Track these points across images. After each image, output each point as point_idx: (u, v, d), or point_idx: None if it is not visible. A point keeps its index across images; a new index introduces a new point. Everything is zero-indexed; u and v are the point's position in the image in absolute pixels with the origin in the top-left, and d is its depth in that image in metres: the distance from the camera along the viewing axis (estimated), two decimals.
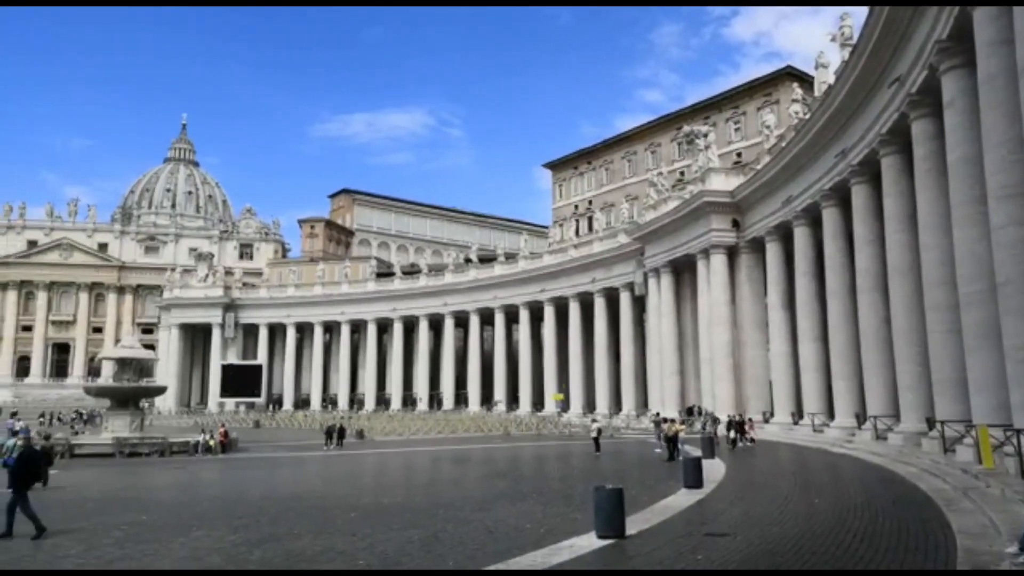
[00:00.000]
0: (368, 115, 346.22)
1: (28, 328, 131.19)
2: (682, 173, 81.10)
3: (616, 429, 53.34)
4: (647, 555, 12.34)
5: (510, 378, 79.98)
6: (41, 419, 72.96)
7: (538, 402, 74.75)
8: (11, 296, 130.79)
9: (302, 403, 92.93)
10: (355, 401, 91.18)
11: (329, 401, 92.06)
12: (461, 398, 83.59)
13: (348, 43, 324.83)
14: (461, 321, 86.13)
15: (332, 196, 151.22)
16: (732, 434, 37.09)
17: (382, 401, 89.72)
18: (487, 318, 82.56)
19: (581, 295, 69.19)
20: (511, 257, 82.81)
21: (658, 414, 48.63)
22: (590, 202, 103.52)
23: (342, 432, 47.00)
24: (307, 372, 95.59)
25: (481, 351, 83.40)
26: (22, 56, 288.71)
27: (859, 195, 33.78)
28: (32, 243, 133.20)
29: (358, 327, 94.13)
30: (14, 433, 36.62)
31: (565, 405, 69.63)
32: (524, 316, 77.63)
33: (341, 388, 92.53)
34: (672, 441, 31.92)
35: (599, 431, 38.28)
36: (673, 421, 36.73)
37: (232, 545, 14.38)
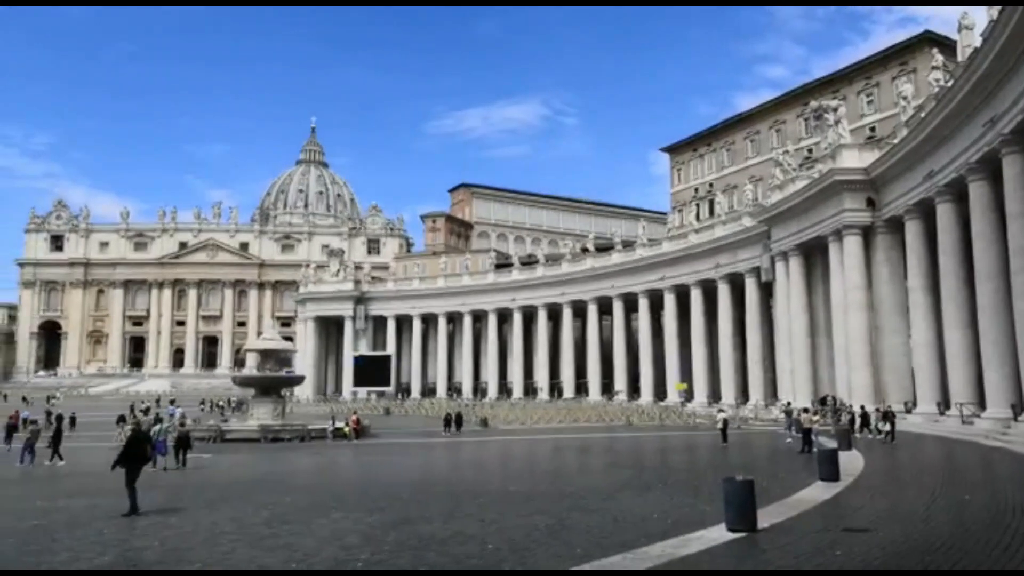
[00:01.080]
0: (483, 109, 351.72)
1: (181, 323, 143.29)
2: (810, 151, 77.16)
3: (743, 420, 51.69)
4: (781, 550, 11.94)
5: (630, 367, 79.22)
6: (202, 406, 79.11)
7: (660, 392, 73.64)
8: (166, 294, 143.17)
9: (428, 391, 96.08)
10: (478, 389, 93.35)
11: (454, 389, 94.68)
12: (581, 387, 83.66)
13: (462, 40, 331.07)
14: (579, 310, 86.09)
15: (451, 190, 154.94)
16: (879, 424, 35.10)
17: (504, 390, 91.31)
18: (605, 307, 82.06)
19: (703, 282, 67.39)
20: (629, 245, 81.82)
21: (788, 404, 46.69)
22: (711, 185, 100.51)
23: (459, 420, 48.52)
24: (432, 361, 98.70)
25: (600, 340, 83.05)
26: (168, 70, 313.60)
27: (1012, 166, 30.86)
28: (183, 244, 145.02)
29: (479, 317, 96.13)
30: (158, 420, 40.06)
31: (688, 395, 68.21)
32: (643, 304, 76.55)
33: (465, 377, 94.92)
34: (806, 432, 30.62)
35: (726, 421, 37.25)
36: (806, 411, 35.18)
37: (369, 527, 15.13)
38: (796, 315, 53.15)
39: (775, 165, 59.83)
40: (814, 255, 52.85)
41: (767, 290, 60.53)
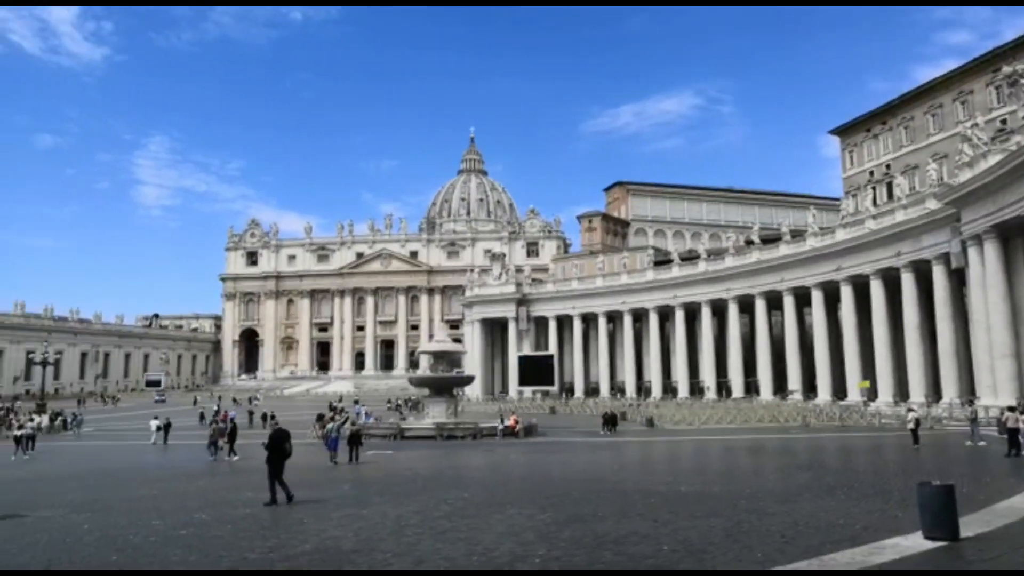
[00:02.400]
0: (635, 105, 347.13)
1: (361, 328, 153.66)
2: (1003, 122, 69.28)
3: (936, 420, 47.37)
4: (989, 561, 10.96)
5: (804, 365, 74.91)
6: (388, 405, 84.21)
7: (839, 390, 69.02)
8: (347, 301, 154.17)
9: (592, 391, 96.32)
10: (641, 389, 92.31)
11: (617, 389, 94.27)
12: (751, 386, 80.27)
13: (613, 38, 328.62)
14: (746, 306, 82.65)
15: (606, 189, 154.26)
16: None
17: (669, 389, 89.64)
18: (774, 302, 78.20)
19: (883, 271, 62.39)
20: (797, 235, 77.38)
21: (972, 402, 42.17)
22: (888, 167, 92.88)
23: (614, 420, 48.98)
24: (594, 361, 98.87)
25: (770, 337, 79.28)
26: (341, 94, 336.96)
27: None
28: (359, 255, 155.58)
29: (640, 316, 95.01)
30: (332, 419, 43.36)
31: (871, 393, 63.41)
32: (817, 298, 72.13)
33: (628, 376, 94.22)
34: (1012, 433, 27.65)
35: (917, 421, 34.36)
36: (1012, 409, 31.69)
37: (543, 524, 15.54)
38: (995, 305, 47.89)
39: (963, 140, 54.19)
40: (1015, 237, 47.37)
41: (958, 278, 55.03)
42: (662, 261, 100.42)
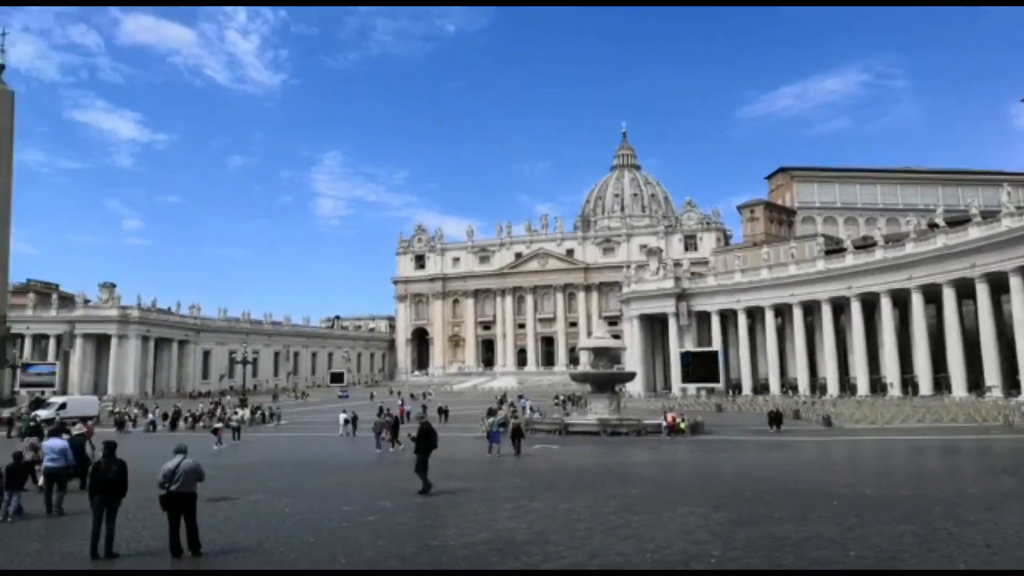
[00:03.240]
0: (796, 86, 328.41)
1: (522, 326, 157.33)
2: None
3: None
4: None
5: (1004, 358, 67.28)
6: (556, 400, 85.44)
7: None
8: (508, 300, 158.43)
9: (761, 388, 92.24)
10: (815, 386, 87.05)
11: (788, 386, 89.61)
12: (940, 383, 73.33)
13: (766, 18, 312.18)
14: (932, 295, 75.57)
15: (768, 177, 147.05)
16: None
17: (846, 386, 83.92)
18: (965, 290, 70.86)
19: None
20: (989, 215, 69.52)
21: None
22: None
23: (779, 418, 47.34)
24: (762, 357, 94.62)
25: (961, 328, 71.95)
26: (495, 99, 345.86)
27: None
28: (518, 255, 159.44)
29: (810, 309, 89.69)
30: (491, 413, 44.93)
31: None
32: (1016, 284, 64.53)
33: (799, 372, 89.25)
34: None
35: None
36: None
37: (716, 524, 15.22)
38: None
39: None
40: None
41: None
42: (833, 250, 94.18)
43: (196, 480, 13.13)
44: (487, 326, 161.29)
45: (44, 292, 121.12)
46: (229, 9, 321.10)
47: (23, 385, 77.73)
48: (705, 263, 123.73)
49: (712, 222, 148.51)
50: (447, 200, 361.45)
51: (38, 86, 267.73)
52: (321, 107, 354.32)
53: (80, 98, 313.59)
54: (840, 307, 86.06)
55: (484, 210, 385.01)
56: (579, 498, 19.18)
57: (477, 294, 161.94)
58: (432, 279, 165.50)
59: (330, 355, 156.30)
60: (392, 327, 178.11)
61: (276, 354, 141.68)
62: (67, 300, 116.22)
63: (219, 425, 42.78)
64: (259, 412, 61.67)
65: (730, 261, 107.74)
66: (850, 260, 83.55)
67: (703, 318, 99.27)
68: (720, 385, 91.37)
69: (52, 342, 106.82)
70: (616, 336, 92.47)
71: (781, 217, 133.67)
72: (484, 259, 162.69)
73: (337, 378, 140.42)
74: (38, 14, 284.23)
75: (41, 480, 19.44)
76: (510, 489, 21.36)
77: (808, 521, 15.15)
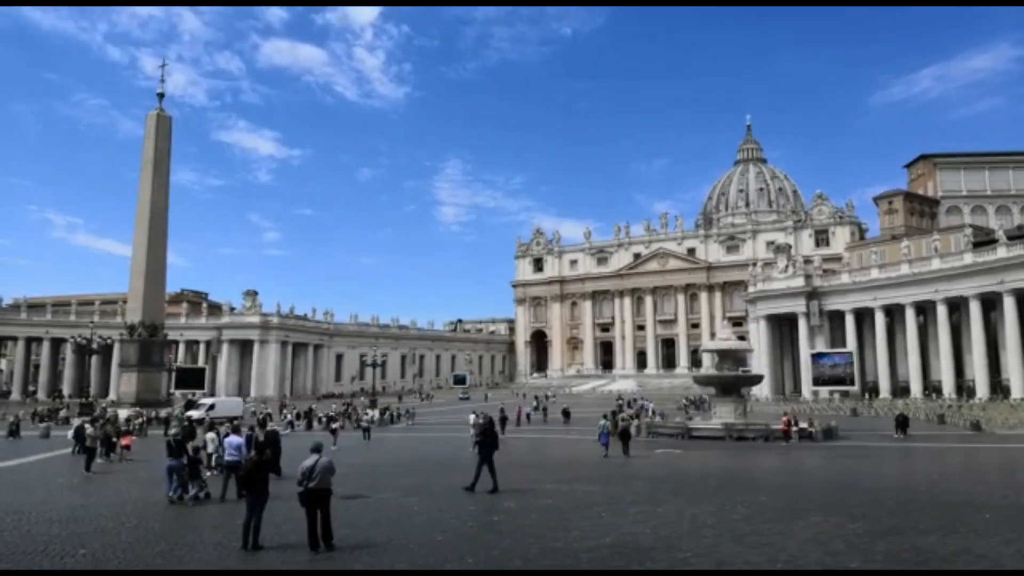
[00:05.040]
0: (936, 67, 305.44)
1: (641, 327, 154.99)
2: None
3: None
4: None
5: None
6: (684, 402, 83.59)
7: None
8: (626, 302, 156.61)
9: (900, 391, 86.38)
10: (962, 388, 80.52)
11: (931, 388, 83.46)
12: None
13: None
14: None
15: (908, 165, 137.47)
16: None
17: (998, 388, 77.13)
18: None
19: None
20: None
21: None
22: None
23: (905, 422, 45.30)
24: (901, 358, 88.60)
25: None
26: (609, 98, 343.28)
27: None
28: (636, 255, 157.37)
29: (956, 306, 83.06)
30: (605, 417, 44.56)
31: None
32: None
33: (944, 374, 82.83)
34: None
35: None
36: None
37: (854, 534, 14.47)
38: None
39: None
40: None
41: None
42: (983, 242, 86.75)
43: (331, 477, 13.93)
44: (605, 328, 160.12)
45: (195, 301, 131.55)
46: (356, 27, 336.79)
47: (178, 387, 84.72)
48: (838, 259, 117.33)
49: (845, 216, 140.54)
50: (563, 203, 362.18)
51: (189, 111, 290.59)
52: (442, 117, 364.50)
53: (225, 120, 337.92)
54: (991, 303, 79.29)
55: (600, 211, 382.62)
56: (705, 504, 18.76)
57: (595, 296, 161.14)
58: (550, 282, 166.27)
59: (453, 357, 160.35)
60: (511, 330, 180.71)
61: (403, 357, 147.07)
62: (215, 308, 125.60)
63: (336, 426, 44.63)
64: (387, 413, 64.19)
65: (866, 257, 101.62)
66: (1003, 252, 76.77)
67: (836, 317, 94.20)
68: (855, 388, 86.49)
69: (202, 347, 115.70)
70: (741, 337, 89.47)
71: (922, 208, 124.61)
72: (602, 260, 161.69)
73: (460, 380, 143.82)
74: (189, 44, 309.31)
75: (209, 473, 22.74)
76: (634, 493, 21.20)
77: (957, 534, 14.13)
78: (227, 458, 21.36)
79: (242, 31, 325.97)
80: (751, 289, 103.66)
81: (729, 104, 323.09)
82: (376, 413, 61.59)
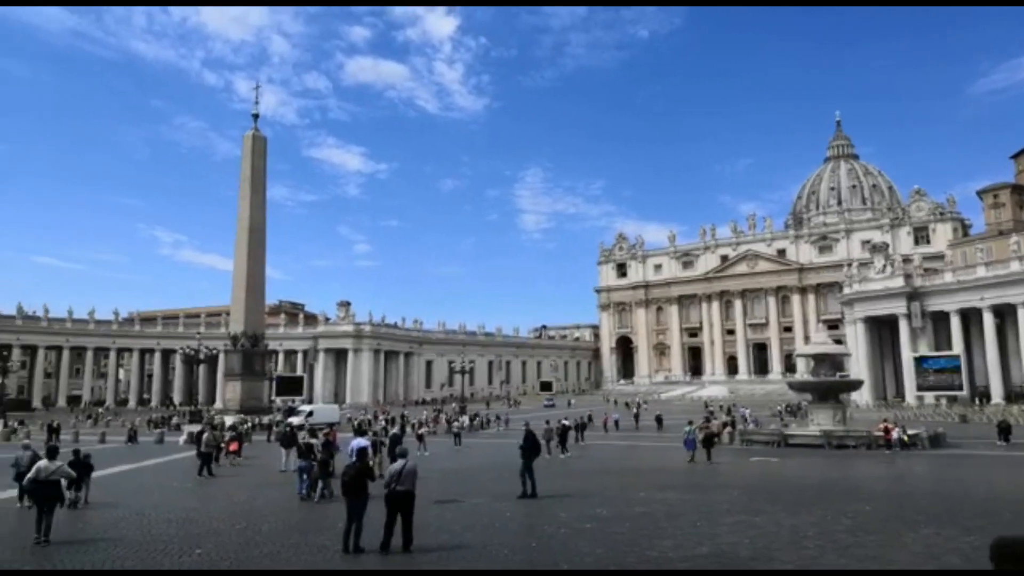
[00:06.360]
0: None
1: (731, 332, 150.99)
2: None
3: None
4: None
5: None
6: (784, 409, 79.92)
7: None
8: (715, 306, 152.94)
9: (1016, 396, 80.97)
10: None
11: None
12: None
13: None
14: None
15: (1015, 156, 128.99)
16: None
17: None
18: None
19: None
20: None
21: None
22: None
23: (1008, 429, 43.44)
24: (1015, 360, 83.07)
25: None
26: (688, 100, 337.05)
27: None
28: (723, 258, 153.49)
29: None
30: (690, 422, 43.45)
31: None
32: None
33: None
34: None
35: None
36: None
37: (969, 547, 13.75)
38: None
39: None
40: None
41: None
42: None
43: (415, 480, 14.44)
44: (693, 333, 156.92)
45: (292, 312, 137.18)
46: (436, 40, 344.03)
47: (278, 394, 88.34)
48: (940, 258, 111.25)
49: (946, 211, 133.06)
50: (644, 207, 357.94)
51: (281, 129, 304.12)
52: (521, 126, 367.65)
53: (315, 137, 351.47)
54: None
55: (683, 214, 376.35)
56: (805, 514, 18.18)
57: (681, 300, 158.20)
58: (634, 287, 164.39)
59: (538, 364, 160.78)
60: (596, 335, 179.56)
61: (489, 363, 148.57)
62: (311, 318, 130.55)
63: (422, 431, 45.33)
64: (476, 419, 65.05)
65: (971, 254, 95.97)
66: None
67: (940, 319, 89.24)
68: (964, 393, 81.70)
69: (299, 356, 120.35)
70: (838, 341, 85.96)
71: None
72: (687, 264, 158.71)
73: (546, 386, 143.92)
74: (279, 66, 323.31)
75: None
76: (730, 502, 20.77)
77: None
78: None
79: (328, 51, 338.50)
80: (846, 290, 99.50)
81: (815, 100, 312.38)
82: (466, 419, 62.50)
